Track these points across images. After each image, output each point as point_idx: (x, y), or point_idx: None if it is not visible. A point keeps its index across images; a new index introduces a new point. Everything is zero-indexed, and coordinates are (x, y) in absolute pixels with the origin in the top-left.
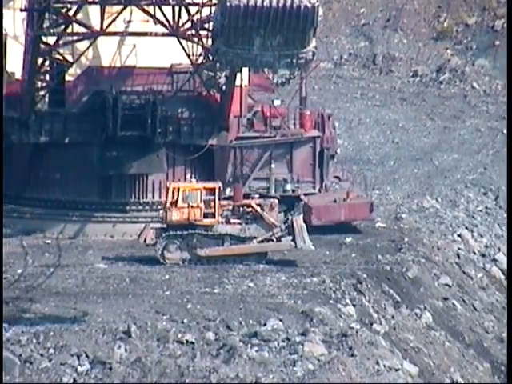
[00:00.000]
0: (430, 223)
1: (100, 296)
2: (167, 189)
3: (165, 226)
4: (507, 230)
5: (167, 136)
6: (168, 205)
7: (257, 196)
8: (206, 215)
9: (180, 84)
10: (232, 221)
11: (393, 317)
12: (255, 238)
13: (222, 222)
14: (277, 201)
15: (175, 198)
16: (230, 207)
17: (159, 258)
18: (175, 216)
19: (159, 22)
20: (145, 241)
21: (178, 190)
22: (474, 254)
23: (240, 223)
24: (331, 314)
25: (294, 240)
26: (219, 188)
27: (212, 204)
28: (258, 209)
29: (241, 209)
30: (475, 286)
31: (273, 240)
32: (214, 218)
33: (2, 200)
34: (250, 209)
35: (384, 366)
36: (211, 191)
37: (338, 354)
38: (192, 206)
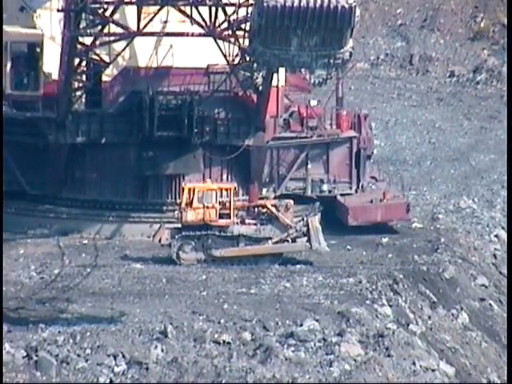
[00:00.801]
0: (467, 224)
1: (137, 296)
2: (182, 189)
3: (180, 226)
4: (507, 230)
5: (204, 136)
6: (183, 205)
7: (272, 197)
8: (221, 216)
9: (216, 84)
10: (247, 221)
11: (429, 317)
12: (270, 238)
13: (237, 223)
14: (292, 202)
15: (190, 198)
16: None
17: (174, 259)
18: (190, 216)
19: (196, 23)
20: (159, 241)
21: (194, 190)
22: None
23: (255, 224)
24: (368, 315)
25: (309, 241)
26: (234, 189)
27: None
28: (273, 209)
29: (256, 209)
30: None
31: (288, 241)
32: (229, 218)
33: (2, 200)
34: (265, 209)
35: (420, 366)
36: (226, 192)
37: (375, 355)
38: (207, 207)
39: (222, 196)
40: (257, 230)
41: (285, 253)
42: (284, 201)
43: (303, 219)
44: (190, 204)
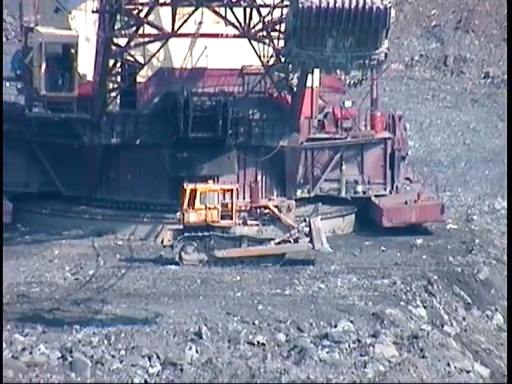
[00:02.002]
0: (502, 225)
1: (171, 297)
2: (184, 190)
3: (182, 227)
4: (507, 230)
5: (238, 137)
6: (185, 206)
7: (274, 197)
8: (223, 216)
9: (251, 85)
10: (249, 222)
11: (464, 318)
12: (272, 239)
13: (239, 224)
14: (294, 202)
15: (193, 199)
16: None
17: (176, 259)
18: (192, 217)
19: (230, 24)
20: (162, 242)
21: (196, 191)
22: None
23: (257, 225)
24: (402, 316)
25: (311, 241)
26: (236, 189)
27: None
28: (276, 210)
29: (258, 210)
30: None
31: (290, 241)
32: (232, 219)
33: (2, 200)
34: (267, 210)
35: (455, 367)
36: (229, 193)
37: (409, 356)
38: (209, 208)
39: (224, 197)
40: (259, 231)
41: (287, 253)
42: (286, 201)
43: (305, 220)
44: (192, 205)
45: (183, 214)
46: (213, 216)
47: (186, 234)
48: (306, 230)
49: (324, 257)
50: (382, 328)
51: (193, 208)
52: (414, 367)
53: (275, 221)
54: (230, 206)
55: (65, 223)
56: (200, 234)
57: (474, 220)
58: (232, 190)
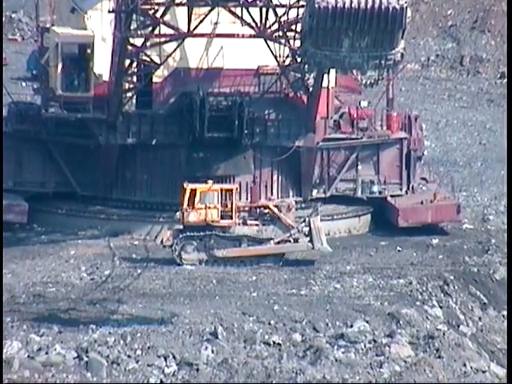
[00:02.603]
0: None
1: (187, 297)
2: (184, 190)
3: (182, 227)
4: (507, 231)
5: (254, 137)
6: (185, 206)
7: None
8: (223, 216)
9: (267, 85)
10: (249, 222)
11: (480, 318)
12: (272, 239)
13: (239, 224)
14: (294, 202)
15: (193, 199)
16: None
17: (176, 259)
18: (192, 217)
19: (246, 24)
20: (162, 242)
21: (195, 191)
22: None
23: (257, 224)
24: (418, 316)
25: (311, 241)
26: (236, 189)
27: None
28: (275, 210)
29: (258, 210)
30: None
31: (290, 241)
32: (232, 219)
33: (2, 201)
34: (267, 210)
35: (471, 367)
36: (228, 192)
37: (425, 356)
38: (209, 207)
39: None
40: (259, 231)
41: (287, 253)
42: (286, 201)
43: (305, 220)
44: (191, 205)
45: (183, 214)
46: (213, 216)
47: (185, 234)
48: (306, 229)
49: (340, 257)
50: (397, 328)
51: (193, 207)
52: (429, 367)
53: (275, 220)
54: (229, 205)
55: (81, 223)
56: (200, 234)
57: (490, 220)
58: (232, 190)
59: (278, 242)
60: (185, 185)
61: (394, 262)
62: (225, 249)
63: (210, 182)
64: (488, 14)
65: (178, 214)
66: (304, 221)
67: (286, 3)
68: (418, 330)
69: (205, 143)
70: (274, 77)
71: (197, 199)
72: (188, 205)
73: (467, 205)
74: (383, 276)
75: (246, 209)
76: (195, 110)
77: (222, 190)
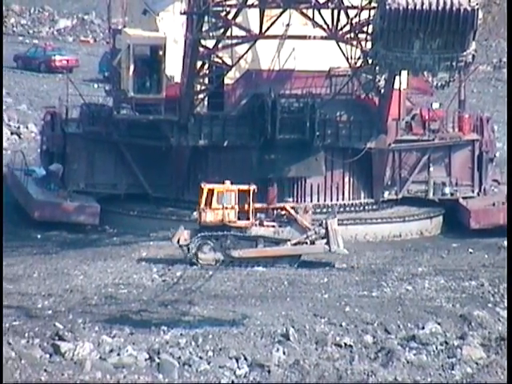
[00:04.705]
0: None
1: (258, 299)
2: (201, 190)
3: (198, 227)
4: (507, 231)
5: (325, 139)
6: (202, 206)
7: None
8: (240, 217)
9: (338, 87)
10: (266, 223)
11: None
12: (289, 240)
13: (255, 225)
14: (311, 204)
15: (210, 199)
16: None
17: (192, 259)
18: (209, 217)
19: (318, 26)
20: (178, 241)
21: (213, 191)
22: None
23: (274, 226)
24: (490, 318)
25: (328, 243)
26: (253, 190)
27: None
28: (292, 212)
29: (275, 211)
30: None
31: (306, 243)
32: (249, 219)
33: (2, 201)
34: (284, 211)
35: None
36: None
37: (497, 358)
38: (226, 208)
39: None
40: (275, 232)
41: (303, 255)
42: (303, 203)
43: (322, 222)
44: (209, 205)
45: (200, 214)
46: (230, 216)
47: (202, 234)
48: (323, 231)
49: (411, 259)
50: (469, 330)
51: (210, 208)
52: (501, 369)
53: (292, 222)
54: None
55: (152, 225)
56: (217, 234)
57: None
58: (249, 191)
59: (295, 244)
60: (202, 185)
61: (466, 263)
62: (241, 249)
63: (228, 182)
64: None
65: (195, 213)
66: (321, 223)
67: (357, 5)
68: (490, 331)
69: (276, 145)
70: (345, 78)
71: (214, 199)
72: (205, 205)
73: None
74: (455, 278)
75: (263, 210)
76: (267, 112)
77: (239, 190)
